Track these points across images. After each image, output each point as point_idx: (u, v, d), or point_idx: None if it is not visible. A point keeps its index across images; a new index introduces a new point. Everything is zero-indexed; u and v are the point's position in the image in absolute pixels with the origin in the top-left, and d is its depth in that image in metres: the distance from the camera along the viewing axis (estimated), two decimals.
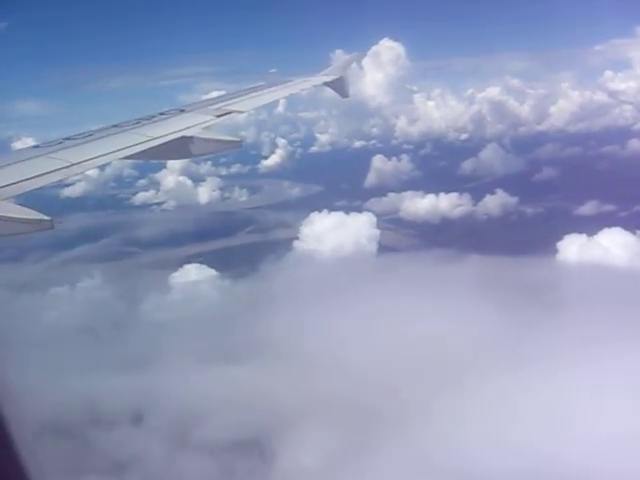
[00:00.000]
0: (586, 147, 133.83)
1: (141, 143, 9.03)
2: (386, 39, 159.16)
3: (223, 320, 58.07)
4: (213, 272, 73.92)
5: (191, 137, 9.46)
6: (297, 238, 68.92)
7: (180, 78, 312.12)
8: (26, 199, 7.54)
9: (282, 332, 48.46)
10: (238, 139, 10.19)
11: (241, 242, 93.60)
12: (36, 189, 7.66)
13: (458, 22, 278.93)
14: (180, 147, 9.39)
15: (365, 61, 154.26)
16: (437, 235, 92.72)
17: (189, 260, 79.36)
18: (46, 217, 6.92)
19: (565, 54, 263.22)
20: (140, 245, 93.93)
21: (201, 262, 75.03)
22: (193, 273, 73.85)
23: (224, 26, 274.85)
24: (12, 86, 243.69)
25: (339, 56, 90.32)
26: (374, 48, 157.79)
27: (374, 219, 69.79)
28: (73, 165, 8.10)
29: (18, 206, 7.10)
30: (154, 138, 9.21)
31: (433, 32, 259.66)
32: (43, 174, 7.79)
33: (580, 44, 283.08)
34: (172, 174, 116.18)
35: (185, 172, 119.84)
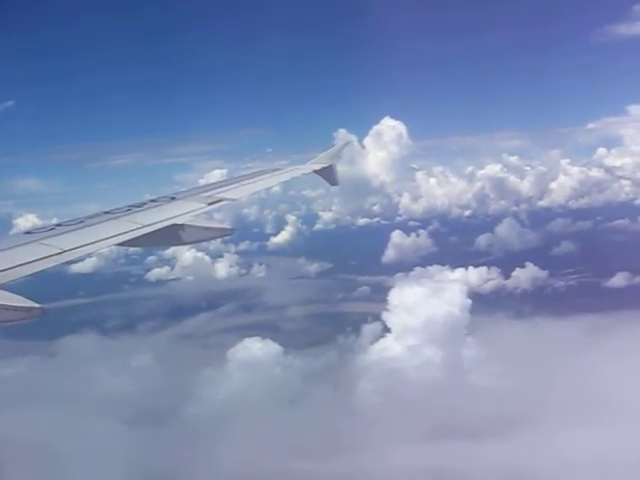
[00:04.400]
0: (595, 221, 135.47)
1: (132, 231, 8.97)
2: (387, 118, 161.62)
3: None
4: (277, 347, 69.59)
5: (182, 225, 9.40)
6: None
7: (180, 157, 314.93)
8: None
9: None
10: (229, 227, 10.13)
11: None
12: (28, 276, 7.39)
13: (455, 102, 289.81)
14: (171, 235, 9.34)
15: (367, 140, 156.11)
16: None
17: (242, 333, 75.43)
18: (36, 304, 6.62)
19: (559, 132, 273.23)
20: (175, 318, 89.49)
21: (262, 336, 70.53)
22: (255, 347, 69.33)
23: (225, 105, 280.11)
24: (14, 163, 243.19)
25: (342, 135, 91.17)
26: (376, 127, 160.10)
27: (464, 288, 67.32)
28: (64, 252, 7.94)
29: (7, 293, 6.78)
30: (145, 225, 9.17)
31: (432, 112, 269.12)
32: (34, 261, 7.62)
33: (573, 122, 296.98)
34: (189, 250, 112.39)
35: (197, 248, 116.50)
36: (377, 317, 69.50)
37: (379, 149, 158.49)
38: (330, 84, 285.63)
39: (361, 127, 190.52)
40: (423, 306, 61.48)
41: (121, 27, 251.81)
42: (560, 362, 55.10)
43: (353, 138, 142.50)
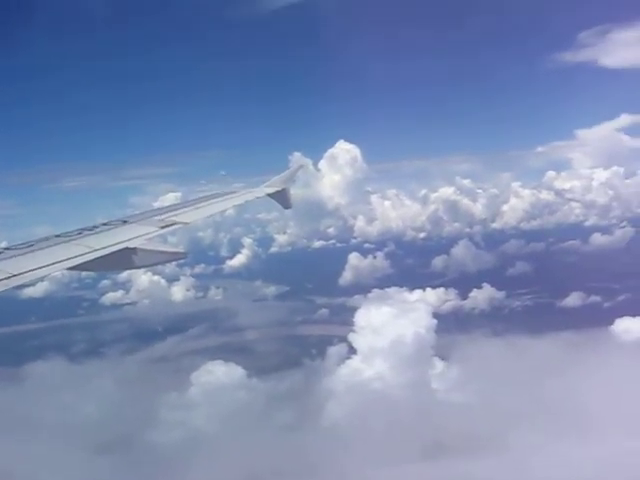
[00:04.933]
0: (547, 243, 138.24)
1: (84, 254, 8.76)
2: (342, 141, 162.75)
3: None
4: (240, 370, 68.58)
5: (134, 248, 9.26)
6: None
7: (133, 179, 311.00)
8: None
9: None
10: (182, 250, 9.97)
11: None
12: None
13: (407, 126, 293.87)
14: (123, 258, 9.18)
15: (322, 163, 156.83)
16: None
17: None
18: None
19: (509, 155, 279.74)
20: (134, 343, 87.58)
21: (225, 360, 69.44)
22: (219, 371, 68.19)
23: (180, 127, 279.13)
24: None
25: (297, 158, 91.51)
26: (330, 150, 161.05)
27: (429, 308, 67.37)
28: (13, 276, 7.70)
29: None
30: (97, 249, 8.99)
31: (385, 136, 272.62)
32: None
33: (523, 146, 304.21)
34: (144, 273, 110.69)
35: (153, 271, 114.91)
36: (341, 339, 69.34)
37: (334, 172, 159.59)
38: (285, 107, 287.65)
39: (316, 150, 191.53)
40: (389, 327, 61.34)
41: (76, 48, 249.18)
42: (526, 380, 55.48)
43: (308, 161, 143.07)
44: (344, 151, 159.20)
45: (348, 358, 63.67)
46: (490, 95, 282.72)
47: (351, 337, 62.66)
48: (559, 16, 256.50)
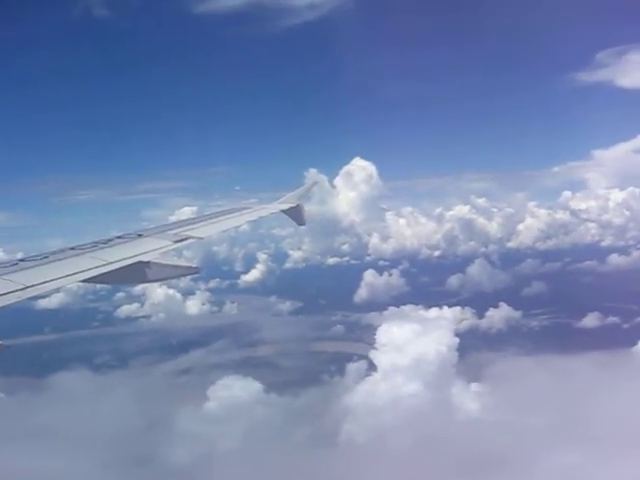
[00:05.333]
0: (564, 263, 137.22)
1: (97, 267, 8.84)
2: (358, 158, 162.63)
3: None
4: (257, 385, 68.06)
5: (148, 262, 9.29)
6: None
7: (148, 193, 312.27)
8: None
9: None
10: (195, 265, 9.94)
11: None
12: None
13: (423, 144, 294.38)
14: (137, 272, 9.21)
15: (337, 180, 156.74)
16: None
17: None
18: None
19: (525, 175, 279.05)
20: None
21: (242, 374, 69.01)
22: (236, 386, 67.70)
23: (196, 142, 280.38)
24: None
25: (313, 174, 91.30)
26: (346, 167, 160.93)
27: (451, 326, 66.78)
28: (27, 288, 7.78)
29: None
30: (110, 262, 9.05)
31: (401, 153, 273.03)
32: None
33: (539, 166, 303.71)
34: (160, 287, 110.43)
35: (168, 285, 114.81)
36: (360, 356, 68.72)
37: (349, 189, 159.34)
38: (301, 124, 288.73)
39: (332, 167, 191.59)
40: (411, 344, 60.72)
41: (91, 61, 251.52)
42: (552, 399, 54.99)
43: (324, 178, 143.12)
44: (360, 168, 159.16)
45: (368, 375, 63.25)
46: (506, 114, 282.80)
47: (372, 354, 62.16)
48: (576, 36, 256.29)
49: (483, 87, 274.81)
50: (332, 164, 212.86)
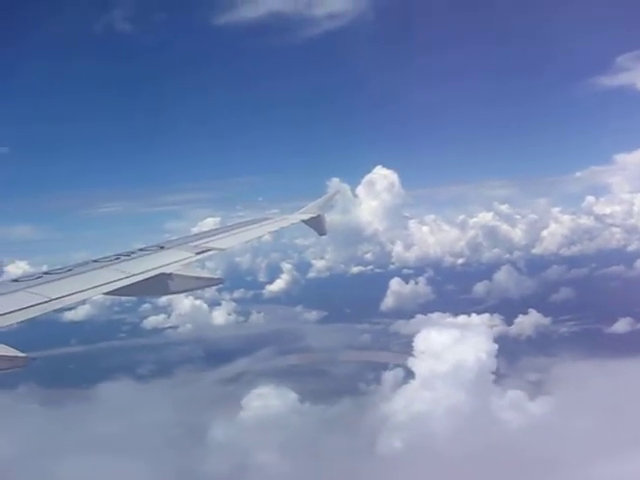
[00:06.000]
0: (590, 268, 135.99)
1: (120, 280, 8.92)
2: (380, 167, 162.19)
3: None
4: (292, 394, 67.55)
5: (170, 274, 9.38)
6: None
7: (171, 205, 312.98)
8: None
9: None
10: (217, 277, 10.13)
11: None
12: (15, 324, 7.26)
13: (444, 151, 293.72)
14: (159, 284, 9.28)
15: (359, 188, 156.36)
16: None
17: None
18: (20, 354, 6.53)
19: (547, 181, 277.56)
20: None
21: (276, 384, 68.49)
22: (270, 395, 67.20)
23: (219, 153, 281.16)
24: (6, 210, 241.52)
25: (335, 183, 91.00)
26: (368, 176, 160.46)
27: (489, 332, 66.01)
28: (52, 300, 7.85)
29: None
30: (133, 275, 9.12)
31: (421, 161, 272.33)
32: (20, 309, 7.49)
33: (561, 171, 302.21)
34: (186, 298, 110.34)
35: (194, 296, 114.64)
36: (396, 364, 68.03)
37: (372, 198, 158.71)
38: (324, 133, 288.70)
39: (354, 176, 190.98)
40: (449, 351, 60.02)
41: (113, 74, 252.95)
42: (596, 404, 54.13)
43: (346, 187, 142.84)
44: (382, 177, 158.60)
45: (405, 383, 62.62)
46: (527, 120, 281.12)
47: (410, 361, 61.49)
48: (597, 39, 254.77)
49: (504, 93, 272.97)
50: (354, 173, 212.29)
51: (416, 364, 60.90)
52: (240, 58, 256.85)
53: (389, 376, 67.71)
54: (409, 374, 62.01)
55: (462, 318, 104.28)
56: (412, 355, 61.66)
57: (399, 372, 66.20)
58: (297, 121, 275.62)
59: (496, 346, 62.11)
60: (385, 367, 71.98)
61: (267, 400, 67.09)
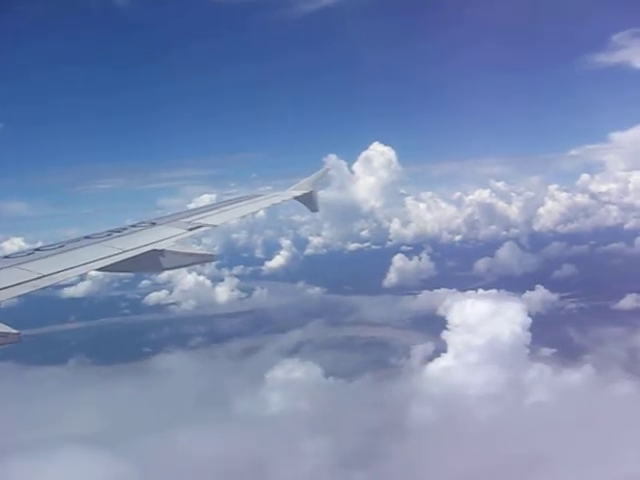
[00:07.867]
0: (590, 245, 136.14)
1: (112, 256, 8.91)
2: (377, 143, 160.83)
3: None
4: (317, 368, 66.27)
5: (162, 250, 9.29)
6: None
7: (166, 181, 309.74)
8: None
9: None
10: (211, 253, 9.91)
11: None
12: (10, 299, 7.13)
13: (440, 128, 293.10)
14: (151, 260, 9.22)
15: (356, 165, 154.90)
16: None
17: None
18: (13, 330, 6.33)
19: (542, 158, 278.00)
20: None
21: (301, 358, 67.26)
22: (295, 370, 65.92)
23: (214, 130, 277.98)
24: (1, 186, 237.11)
25: (332, 160, 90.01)
26: (365, 152, 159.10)
27: (523, 306, 64.93)
28: (43, 277, 7.83)
29: None
30: (125, 251, 9.09)
31: (418, 138, 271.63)
32: (12, 286, 7.44)
33: (556, 149, 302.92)
34: (190, 273, 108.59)
35: (198, 272, 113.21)
36: (426, 337, 66.76)
37: (368, 174, 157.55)
38: (320, 109, 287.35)
39: (351, 152, 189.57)
40: (483, 325, 58.98)
41: (110, 49, 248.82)
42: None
43: (343, 163, 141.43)
44: (379, 153, 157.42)
45: (436, 356, 61.54)
46: (523, 97, 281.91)
47: (444, 335, 60.38)
48: (593, 18, 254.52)
49: (499, 70, 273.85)
50: (351, 149, 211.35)
51: (450, 337, 59.84)
52: (237, 34, 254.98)
53: (419, 350, 66.65)
54: (440, 347, 60.95)
55: (470, 294, 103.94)
56: (446, 329, 60.48)
57: (429, 346, 65.07)
58: (294, 97, 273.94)
59: (530, 320, 61.21)
60: (415, 341, 70.83)
61: (292, 374, 65.83)
